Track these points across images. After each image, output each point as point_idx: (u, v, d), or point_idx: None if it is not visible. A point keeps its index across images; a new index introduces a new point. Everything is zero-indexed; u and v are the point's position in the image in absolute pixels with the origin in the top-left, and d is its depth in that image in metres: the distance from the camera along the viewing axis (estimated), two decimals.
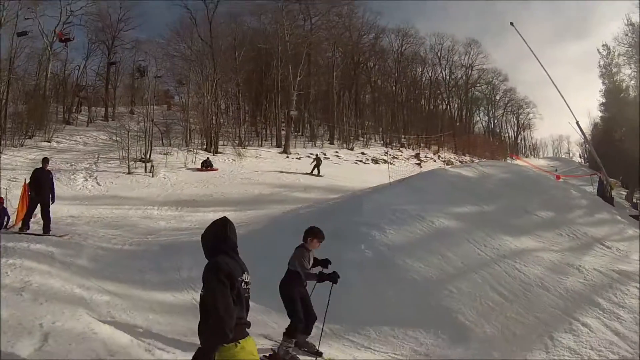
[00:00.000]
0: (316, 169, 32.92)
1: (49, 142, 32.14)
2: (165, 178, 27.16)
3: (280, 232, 13.39)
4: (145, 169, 27.92)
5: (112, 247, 12.78)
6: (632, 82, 49.61)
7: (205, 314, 4.23)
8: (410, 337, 8.65)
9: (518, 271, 10.53)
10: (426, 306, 9.51)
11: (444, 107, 64.98)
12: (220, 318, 4.04)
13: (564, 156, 79.03)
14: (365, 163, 43.72)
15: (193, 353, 6.82)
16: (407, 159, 47.71)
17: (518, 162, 34.16)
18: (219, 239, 4.48)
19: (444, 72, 64.04)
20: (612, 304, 9.40)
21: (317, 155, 36.29)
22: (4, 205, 14.95)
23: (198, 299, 8.96)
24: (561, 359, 7.96)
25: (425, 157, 50.69)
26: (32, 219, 13.99)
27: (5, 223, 14.37)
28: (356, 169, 40.10)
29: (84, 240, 13.04)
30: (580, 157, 72.23)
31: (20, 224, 14.04)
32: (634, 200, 28.14)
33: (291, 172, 31.51)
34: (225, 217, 4.64)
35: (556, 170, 38.45)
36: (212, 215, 18.47)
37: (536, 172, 20.65)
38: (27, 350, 5.16)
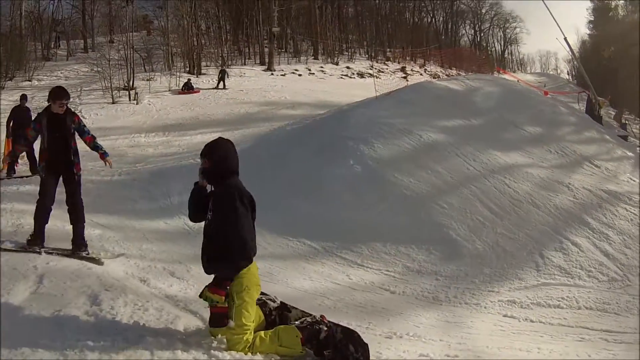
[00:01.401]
0: (221, 82, 31.63)
1: (29, 80, 31.27)
2: (150, 104, 26.75)
3: (268, 150, 13.46)
4: (129, 97, 27.43)
5: (102, 179, 12.64)
6: (621, 1, 48.91)
7: (218, 239, 4.27)
8: (403, 254, 8.74)
9: (507, 187, 10.53)
10: (417, 222, 9.58)
11: (429, 20, 63.94)
12: (246, 241, 4.18)
13: (551, 72, 78.14)
14: (351, 77, 43.22)
15: (188, 280, 6.93)
16: (393, 72, 47.06)
17: (505, 76, 33.73)
18: (233, 160, 4.49)
19: None
20: (602, 224, 9.43)
21: (222, 68, 34.87)
22: None
23: (189, 225, 9.03)
24: (552, 277, 8.09)
25: (412, 70, 50.08)
26: (19, 162, 13.80)
27: None
28: (342, 83, 39.65)
29: None
30: (568, 74, 71.49)
31: (6, 169, 13.83)
32: (623, 121, 27.98)
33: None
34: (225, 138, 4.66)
35: (544, 86, 38.12)
36: (200, 138, 18.42)
37: (524, 87, 20.47)
38: (22, 295, 5.15)
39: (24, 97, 14.54)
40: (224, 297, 4.19)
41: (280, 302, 4.70)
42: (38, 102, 24.11)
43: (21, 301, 5.01)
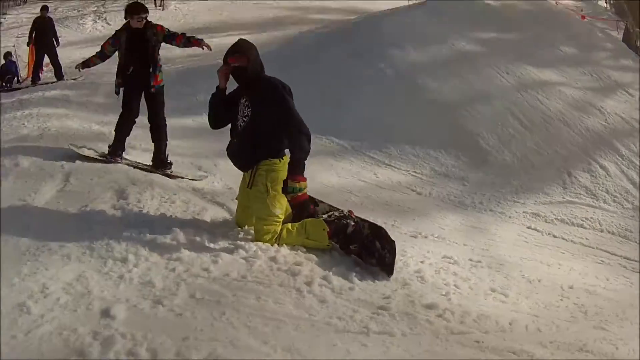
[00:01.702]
0: None
1: None
2: (176, 9, 26.17)
3: (297, 52, 13.28)
4: (155, 3, 26.82)
5: None
6: None
7: (266, 133, 4.35)
8: (431, 157, 8.85)
9: (540, 102, 10.31)
10: (448, 127, 9.58)
11: None
12: (308, 130, 4.28)
13: None
14: None
15: (215, 174, 6.97)
16: None
17: None
18: (259, 57, 4.52)
19: None
20: (631, 153, 9.26)
21: None
22: (13, 59, 14.55)
23: None
24: (578, 196, 8.02)
25: None
26: (44, 69, 13.87)
27: (14, 77, 14.06)
28: None
29: (98, 79, 12.80)
30: (605, 2, 68.70)
31: (30, 77, 13.93)
32: None
33: None
34: None
35: (582, 10, 36.64)
36: (227, 40, 17.98)
37: (561, 7, 19.69)
38: (50, 193, 5.20)
39: (45, 8, 14.69)
40: (306, 182, 4.23)
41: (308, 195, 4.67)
42: (61, 13, 24.02)
43: (48, 199, 5.06)
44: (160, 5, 26.39)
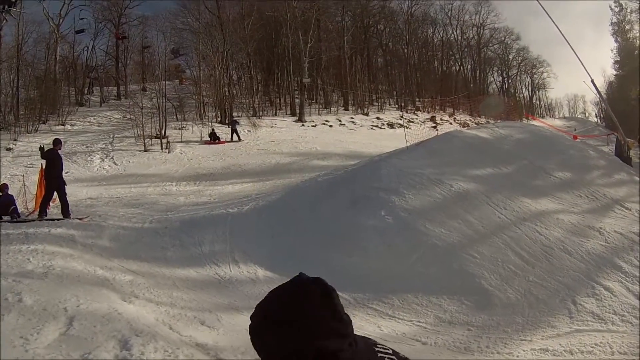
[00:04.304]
0: (235, 134, 30.80)
1: (63, 125, 32.00)
2: (181, 153, 27.10)
3: (300, 201, 13.45)
4: (161, 146, 27.90)
5: (133, 226, 12.82)
6: None
7: None
8: (434, 304, 8.69)
9: (539, 234, 10.47)
10: (449, 272, 9.54)
11: (457, 68, 64.16)
12: None
13: (580, 116, 77.34)
14: (381, 128, 43.22)
15: (218, 329, 6.94)
16: (423, 122, 47.04)
17: (534, 122, 33.64)
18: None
19: (455, 33, 62.99)
20: (634, 267, 9.31)
21: (231, 119, 34.16)
22: (8, 191, 14.61)
23: (220, 274, 9.07)
24: (585, 323, 7.94)
25: (441, 119, 50.00)
26: (50, 204, 14.04)
27: (11, 211, 13.82)
28: (372, 134, 39.78)
29: (104, 221, 13.06)
30: (596, 117, 70.53)
31: (38, 211, 14.01)
32: None
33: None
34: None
35: (574, 130, 37.90)
36: (230, 188, 18.61)
37: (553, 132, 20.41)
38: (52, 335, 5.22)
39: (57, 142, 14.76)
40: None
41: None
42: (70, 147, 24.82)
43: (50, 341, 5.07)
44: (166, 148, 27.18)
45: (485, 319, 8.17)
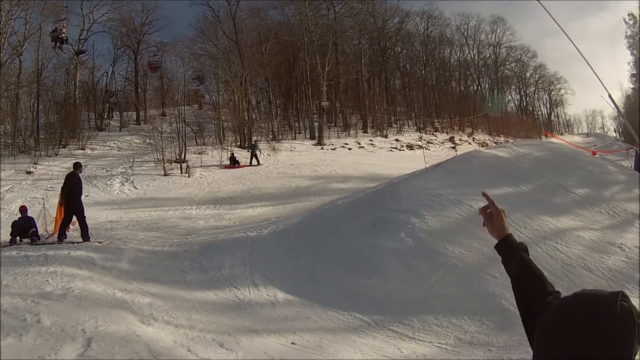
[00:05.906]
0: (254, 158, 30.85)
1: (83, 149, 32.53)
2: (201, 177, 27.23)
3: (319, 224, 13.40)
4: (181, 170, 28.11)
5: (153, 250, 12.84)
6: None
7: None
8: (455, 325, 8.57)
9: (559, 252, 10.37)
10: (469, 292, 9.42)
11: (475, 88, 64.19)
12: None
13: (598, 131, 77.18)
14: (400, 149, 43.28)
15: (237, 352, 6.91)
16: (442, 142, 47.12)
17: (553, 139, 33.46)
18: None
19: (472, 52, 63.37)
20: None
21: (251, 142, 34.20)
22: (27, 214, 14.65)
23: (240, 297, 9.05)
24: None
25: (460, 140, 49.97)
26: (70, 227, 14.07)
27: (31, 233, 13.82)
28: (391, 156, 39.79)
29: (124, 244, 13.08)
30: (615, 132, 70.52)
31: (57, 233, 14.07)
32: None
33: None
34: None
35: (594, 145, 37.63)
36: (250, 212, 18.62)
37: (572, 149, 20.27)
38: (70, 357, 5.22)
39: (77, 165, 14.62)
40: None
41: None
42: (90, 171, 25.09)
43: None
44: (186, 172, 27.35)
45: (506, 339, 8.06)
